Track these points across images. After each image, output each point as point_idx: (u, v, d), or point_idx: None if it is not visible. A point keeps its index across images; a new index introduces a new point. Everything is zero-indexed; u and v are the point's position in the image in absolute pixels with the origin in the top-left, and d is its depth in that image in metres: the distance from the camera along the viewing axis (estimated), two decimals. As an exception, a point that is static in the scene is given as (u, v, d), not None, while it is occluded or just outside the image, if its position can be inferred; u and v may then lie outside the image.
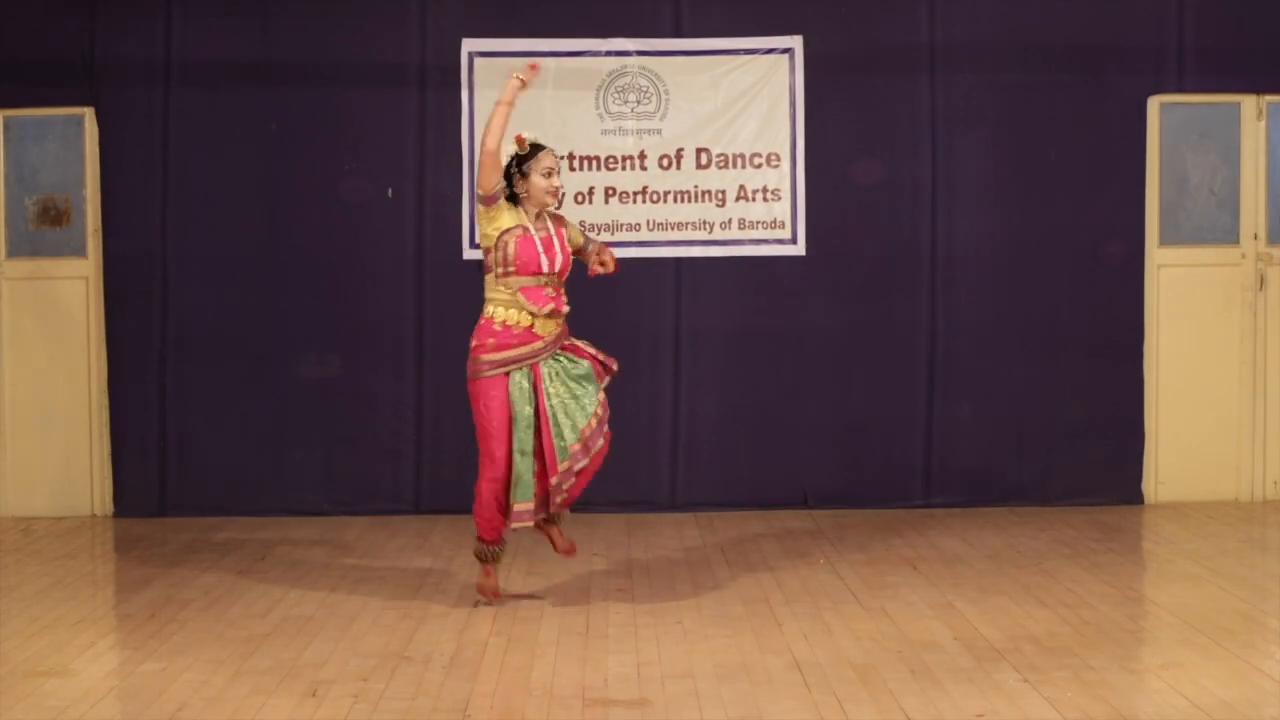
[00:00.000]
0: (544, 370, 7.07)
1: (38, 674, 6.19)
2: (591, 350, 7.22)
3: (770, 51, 9.44)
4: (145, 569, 8.12)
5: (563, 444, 7.05)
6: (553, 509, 7.20)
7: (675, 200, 9.48)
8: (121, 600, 7.62)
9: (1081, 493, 9.52)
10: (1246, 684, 5.91)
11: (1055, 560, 8.06)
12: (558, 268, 7.07)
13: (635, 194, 9.47)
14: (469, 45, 9.43)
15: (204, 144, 9.40)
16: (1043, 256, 9.49)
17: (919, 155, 9.47)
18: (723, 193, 9.48)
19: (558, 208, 7.26)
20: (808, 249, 9.48)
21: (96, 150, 9.41)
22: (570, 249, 7.16)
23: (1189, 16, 9.43)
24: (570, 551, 7.39)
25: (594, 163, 9.42)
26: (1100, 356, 9.52)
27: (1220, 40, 9.45)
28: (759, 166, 9.47)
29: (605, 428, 7.17)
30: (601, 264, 7.17)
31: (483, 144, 7.03)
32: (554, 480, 7.06)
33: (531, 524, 7.14)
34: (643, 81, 9.45)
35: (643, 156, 9.48)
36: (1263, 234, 9.58)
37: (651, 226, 9.49)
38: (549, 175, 7.06)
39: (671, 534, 8.88)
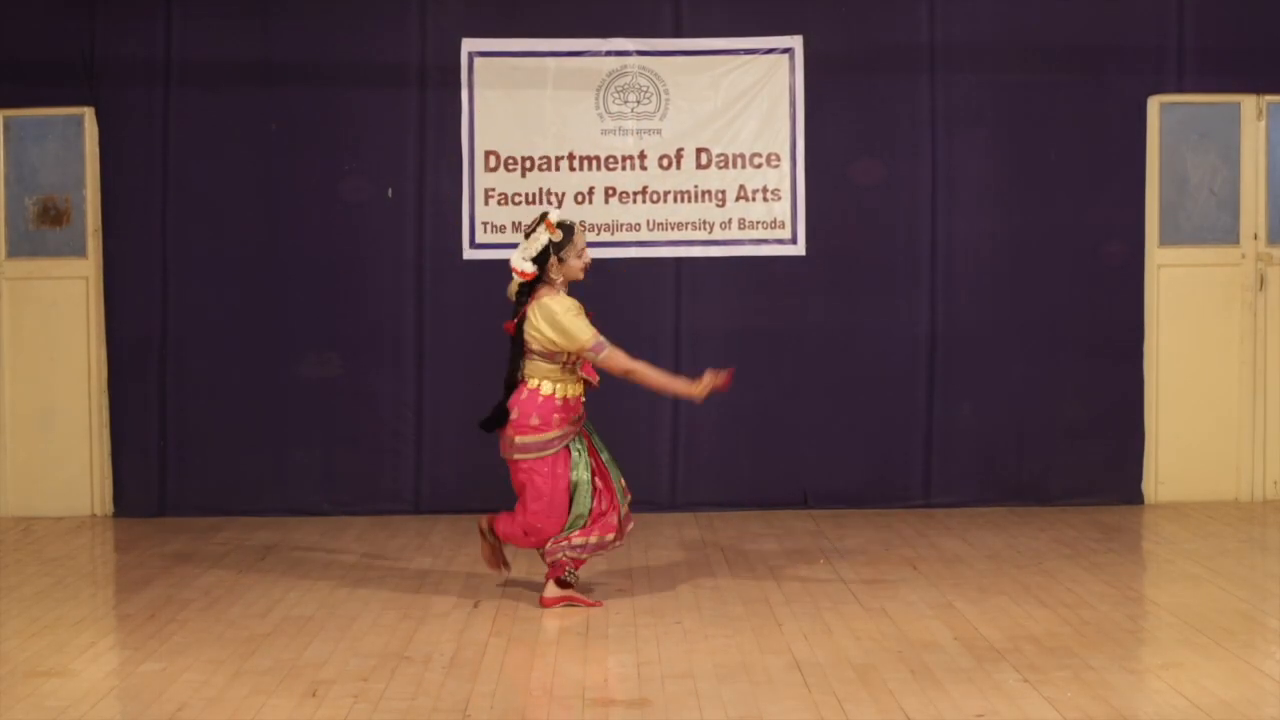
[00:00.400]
0: (589, 430, 7.30)
1: (38, 674, 6.19)
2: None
3: (770, 51, 9.44)
4: (145, 569, 8.12)
5: (620, 486, 7.29)
6: (560, 571, 7.26)
7: (675, 200, 9.47)
8: (121, 600, 7.62)
9: (1081, 493, 9.52)
10: (1246, 684, 5.91)
11: (1055, 560, 8.06)
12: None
13: (635, 194, 9.47)
14: (469, 45, 9.43)
15: (204, 144, 9.40)
16: (1043, 256, 9.49)
17: (919, 155, 9.48)
18: (723, 193, 9.48)
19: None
20: (808, 249, 9.48)
21: (96, 150, 9.41)
22: None
23: (1189, 16, 9.44)
24: (598, 603, 7.37)
25: (594, 163, 9.41)
26: (1100, 356, 9.53)
27: (1220, 40, 9.45)
28: (759, 166, 9.47)
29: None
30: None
31: (626, 365, 7.11)
32: (622, 510, 7.26)
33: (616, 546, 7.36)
34: (643, 81, 9.45)
35: (643, 156, 9.48)
36: (1263, 234, 9.58)
37: (651, 226, 9.49)
38: (582, 255, 7.17)
39: (671, 534, 8.89)
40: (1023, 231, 9.49)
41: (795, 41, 9.44)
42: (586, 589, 7.46)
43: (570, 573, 7.28)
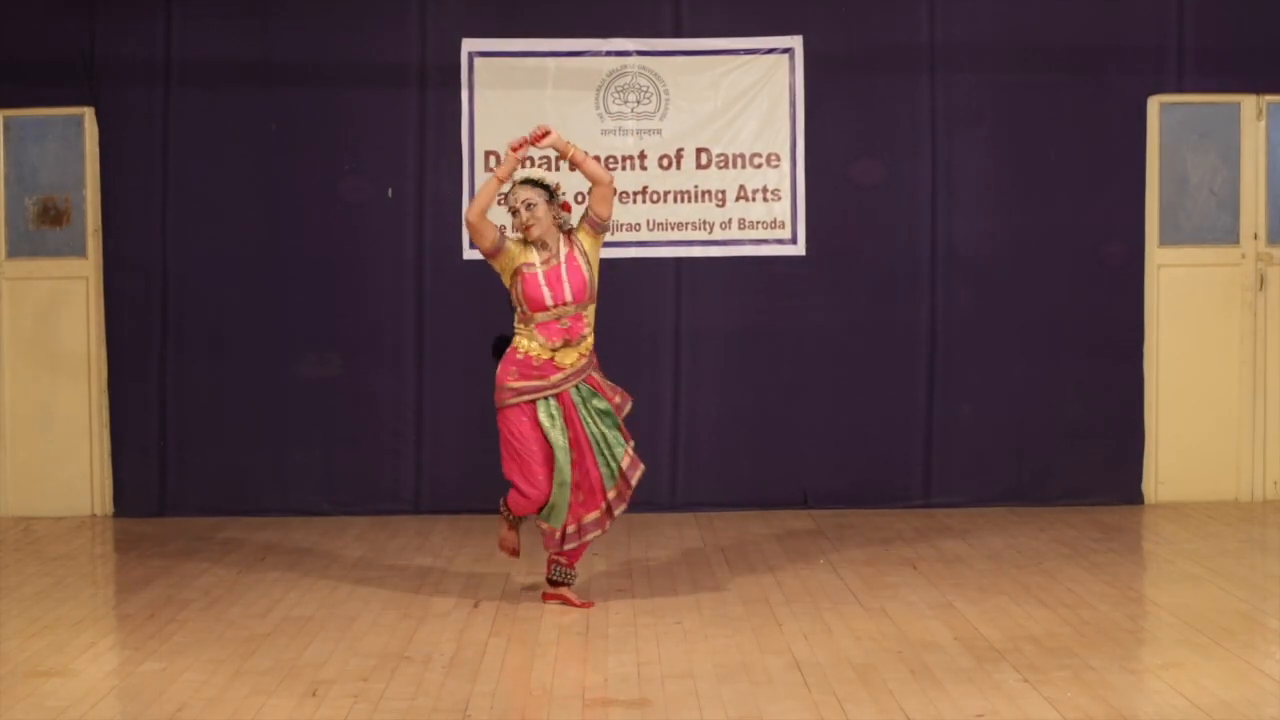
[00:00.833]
0: (574, 399, 7.11)
1: (38, 674, 6.19)
2: (608, 389, 7.23)
3: (770, 51, 9.45)
4: (145, 569, 8.12)
5: (610, 470, 7.15)
6: (556, 547, 7.19)
7: (675, 200, 9.48)
8: (121, 600, 7.62)
9: (1081, 493, 9.52)
10: (1246, 684, 5.91)
11: (1055, 560, 8.06)
12: (568, 298, 7.04)
13: (635, 194, 9.47)
14: (469, 45, 9.43)
15: (204, 144, 9.40)
16: (1043, 256, 9.49)
17: (919, 155, 9.48)
18: (723, 193, 9.48)
19: (568, 224, 7.22)
20: (808, 249, 9.48)
21: (96, 150, 9.41)
22: (590, 240, 7.15)
23: (1189, 16, 9.44)
24: (589, 604, 7.30)
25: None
26: (1100, 356, 9.52)
27: (1220, 40, 9.45)
28: (759, 166, 9.47)
29: (640, 467, 7.28)
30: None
31: (466, 212, 7.13)
32: (590, 515, 7.16)
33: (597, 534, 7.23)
34: (643, 81, 9.45)
35: (643, 156, 9.48)
36: (1263, 234, 9.58)
37: (651, 226, 9.49)
38: (515, 214, 7.05)
39: (671, 534, 8.89)
40: (1023, 231, 9.49)
41: (795, 41, 9.44)
42: (583, 589, 7.46)
43: (560, 570, 7.26)
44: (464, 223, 7.10)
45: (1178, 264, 9.56)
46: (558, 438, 7.07)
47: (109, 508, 9.51)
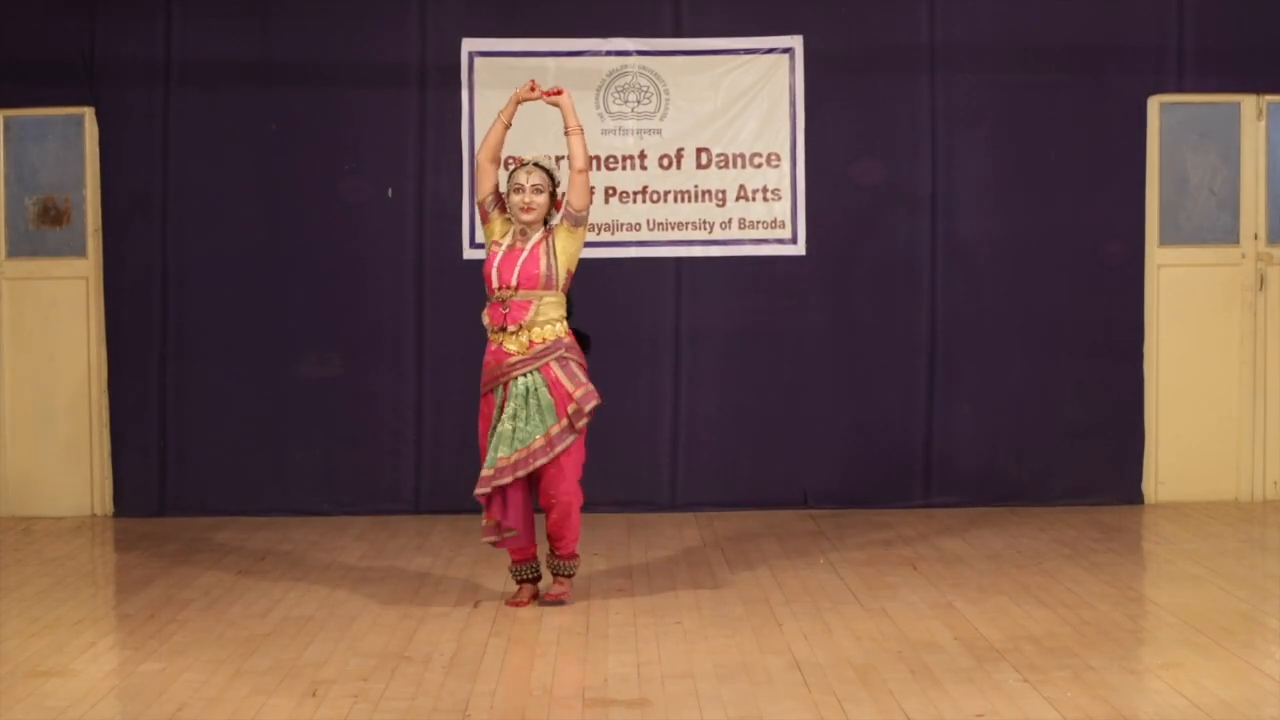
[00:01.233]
0: (512, 390, 7.06)
1: (38, 674, 6.19)
2: (569, 386, 7.10)
3: (770, 51, 9.45)
4: (145, 569, 8.12)
5: (506, 452, 7.04)
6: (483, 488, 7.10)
7: (675, 200, 9.48)
8: (121, 600, 7.62)
9: (1081, 493, 9.52)
10: (1246, 684, 5.91)
11: (1055, 560, 8.06)
12: (513, 282, 7.02)
13: (635, 194, 9.47)
14: (469, 45, 9.43)
15: (204, 144, 9.40)
16: (1043, 256, 9.49)
17: (919, 155, 9.47)
18: (723, 192, 9.48)
19: (557, 218, 7.22)
20: (808, 249, 9.48)
21: (96, 150, 9.41)
22: (569, 233, 7.13)
23: (1189, 16, 9.43)
24: (562, 595, 7.29)
25: (594, 162, 9.40)
26: (1100, 356, 9.52)
27: (1220, 40, 9.45)
28: (759, 166, 9.47)
29: (542, 459, 7.05)
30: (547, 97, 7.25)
31: (477, 154, 7.30)
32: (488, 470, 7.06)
33: (487, 490, 7.07)
34: (643, 81, 9.45)
35: (643, 156, 9.48)
36: (1263, 234, 9.58)
37: (651, 226, 9.49)
38: (518, 192, 7.08)
39: (671, 534, 8.88)
40: (1023, 231, 9.49)
41: (795, 41, 9.44)
42: (584, 589, 7.46)
43: (513, 567, 7.25)
44: (474, 164, 7.21)
45: (1178, 264, 9.56)
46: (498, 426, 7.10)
47: (109, 508, 9.51)
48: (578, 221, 7.15)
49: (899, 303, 9.50)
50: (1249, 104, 9.52)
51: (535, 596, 7.27)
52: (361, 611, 7.15)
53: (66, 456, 9.52)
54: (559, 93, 7.25)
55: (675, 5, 9.47)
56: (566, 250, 7.11)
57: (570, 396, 7.08)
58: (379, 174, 9.43)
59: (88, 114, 9.42)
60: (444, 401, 9.41)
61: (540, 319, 7.06)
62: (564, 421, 7.08)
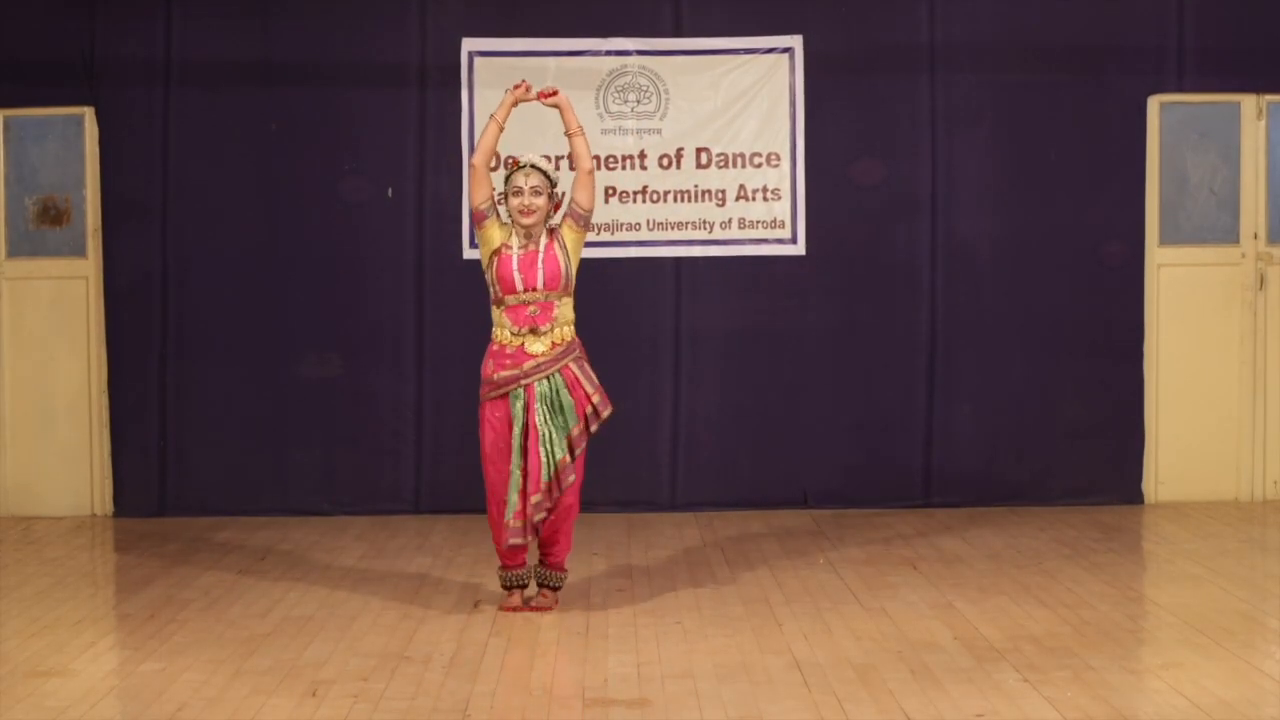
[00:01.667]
0: (537, 390, 7.03)
1: (38, 674, 6.19)
2: (588, 388, 7.11)
3: (770, 51, 9.45)
4: (145, 569, 8.12)
5: (551, 462, 7.01)
6: (511, 536, 7.03)
7: (675, 200, 9.48)
8: (121, 600, 7.62)
9: (1081, 493, 9.52)
10: (1246, 684, 5.91)
11: (1055, 560, 8.06)
12: (538, 284, 6.99)
13: (635, 194, 9.47)
14: (469, 45, 9.43)
15: (204, 144, 9.40)
16: (1043, 256, 9.49)
17: (919, 155, 9.48)
18: (723, 192, 9.48)
19: (558, 217, 7.20)
20: (808, 249, 9.48)
21: (96, 150, 9.41)
22: (572, 234, 7.10)
23: (1189, 16, 9.44)
24: (549, 607, 7.22)
25: (594, 162, 9.39)
26: (1100, 356, 9.53)
27: (1220, 40, 9.45)
28: (759, 166, 9.48)
29: (572, 475, 7.06)
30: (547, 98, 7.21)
31: (472, 158, 7.15)
32: (534, 498, 6.99)
33: (522, 540, 7.02)
34: (643, 81, 9.45)
35: (643, 156, 9.48)
36: (1263, 234, 9.58)
37: (651, 226, 9.49)
38: (518, 194, 7.03)
39: (671, 534, 8.88)
40: (1023, 231, 9.49)
41: (795, 41, 9.44)
42: (584, 589, 7.45)
43: (501, 572, 7.19)
44: (469, 168, 7.13)
45: (1178, 264, 9.56)
46: (518, 431, 7.00)
47: (109, 508, 9.51)
48: (584, 222, 7.14)
49: (899, 303, 9.50)
50: (1249, 104, 9.52)
51: (525, 602, 7.22)
52: (361, 611, 7.15)
53: (66, 456, 9.52)
54: (554, 93, 7.22)
55: (675, 5, 9.47)
56: (575, 248, 7.11)
57: (589, 399, 7.09)
58: (379, 174, 9.43)
59: (88, 114, 9.42)
60: (444, 401, 9.41)
61: (561, 320, 7.08)
62: (581, 424, 7.09)
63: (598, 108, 9.43)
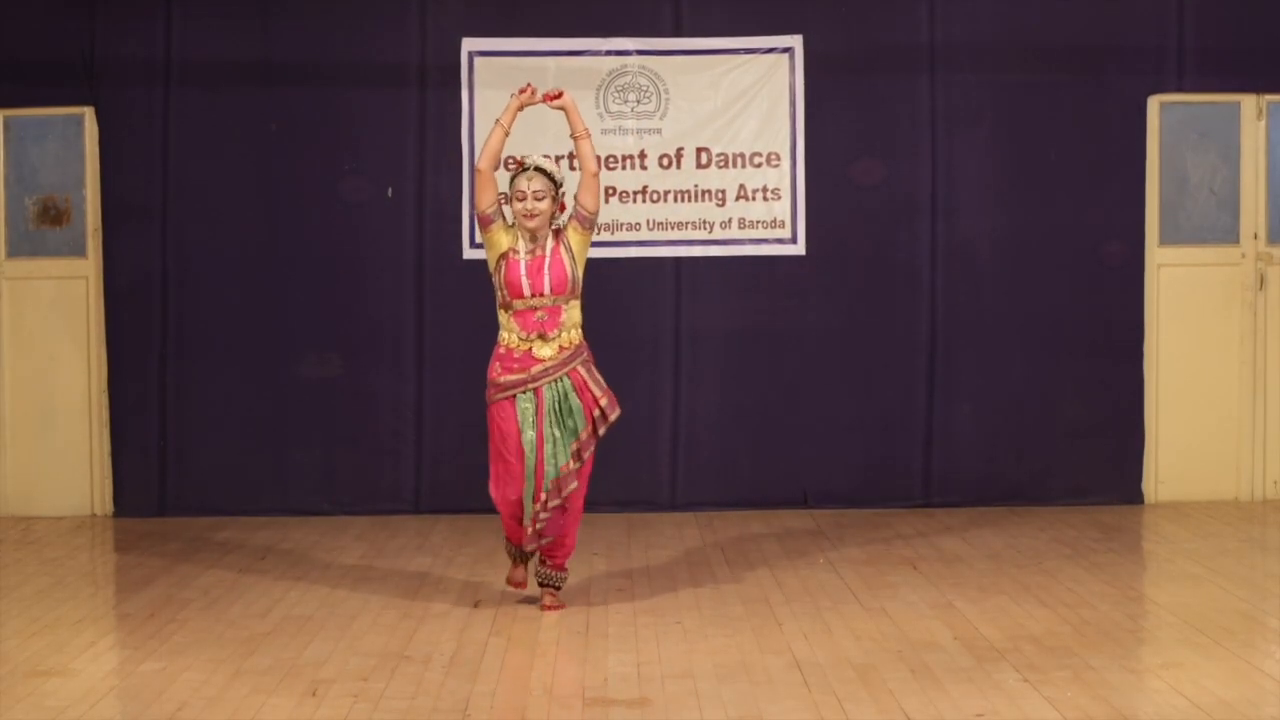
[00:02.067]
0: (546, 395, 7.04)
1: (38, 674, 6.19)
2: (596, 391, 7.12)
3: (770, 51, 9.45)
4: (145, 569, 8.12)
5: (553, 470, 7.03)
6: (528, 542, 7.08)
7: (675, 200, 9.48)
8: (121, 600, 7.62)
9: (1081, 493, 9.52)
10: (1246, 684, 5.91)
11: (1055, 560, 8.06)
12: (546, 289, 7.00)
13: (635, 194, 9.47)
14: (469, 45, 9.43)
15: (204, 144, 9.40)
16: (1043, 256, 9.49)
17: (919, 155, 9.48)
18: (723, 192, 9.48)
19: (563, 219, 7.19)
20: (808, 249, 9.48)
21: (96, 150, 9.41)
22: (580, 228, 7.10)
23: (1189, 16, 9.44)
24: (558, 606, 7.24)
25: (599, 165, 9.39)
26: (1100, 356, 9.52)
27: (1220, 40, 9.45)
28: (759, 166, 9.48)
29: (574, 483, 7.07)
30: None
31: (476, 163, 7.12)
32: (534, 506, 7.01)
33: (535, 545, 7.07)
34: (643, 81, 9.45)
35: (643, 156, 9.48)
36: (1263, 234, 9.58)
37: (651, 226, 9.49)
38: (521, 199, 7.03)
39: (671, 534, 8.88)
40: (1023, 231, 9.49)
41: (795, 41, 9.44)
42: (584, 589, 7.46)
43: (507, 543, 7.24)
44: (474, 171, 7.11)
45: (1178, 264, 9.56)
46: (528, 436, 7.02)
47: (109, 508, 9.51)
48: (589, 224, 7.14)
49: (899, 303, 9.50)
50: (1249, 104, 9.52)
51: (524, 581, 7.27)
52: (361, 611, 7.15)
53: (66, 456, 9.52)
54: (560, 95, 7.22)
55: (675, 5, 9.47)
56: (580, 250, 7.11)
57: (596, 402, 7.10)
58: (379, 174, 9.43)
59: (88, 114, 9.42)
60: (444, 401, 9.41)
61: (569, 323, 7.08)
62: (590, 428, 7.10)
63: (598, 108, 9.43)
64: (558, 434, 7.02)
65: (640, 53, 9.45)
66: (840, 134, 9.48)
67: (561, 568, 7.24)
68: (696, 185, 9.48)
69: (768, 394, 9.52)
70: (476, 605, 7.24)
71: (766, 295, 9.50)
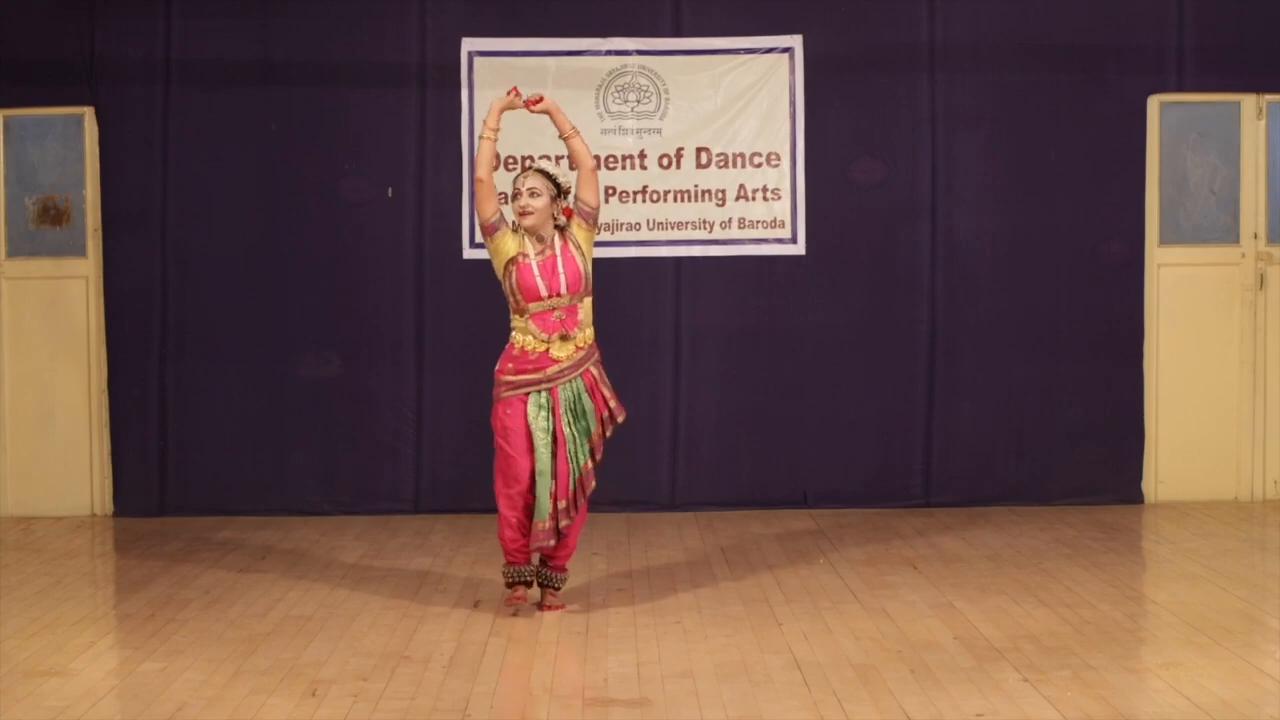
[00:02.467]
0: (561, 395, 7.04)
1: (38, 674, 6.19)
2: (606, 393, 7.15)
3: (770, 51, 9.45)
4: (145, 569, 8.12)
5: (576, 469, 7.05)
6: (540, 539, 7.04)
7: (675, 200, 9.48)
8: (121, 600, 7.62)
9: (1081, 493, 9.52)
10: (1246, 684, 5.91)
11: (1055, 560, 8.06)
12: (562, 289, 7.02)
13: (635, 193, 9.47)
14: (469, 45, 9.43)
15: (204, 143, 9.40)
16: (1043, 256, 9.49)
17: (919, 155, 9.48)
18: (723, 192, 9.48)
19: (565, 221, 7.19)
20: (808, 249, 9.48)
21: (96, 150, 9.41)
22: (584, 224, 7.11)
23: (1189, 16, 9.44)
24: (559, 606, 7.23)
25: (595, 160, 9.39)
26: (1100, 356, 9.53)
27: (1220, 40, 9.45)
28: (759, 166, 9.48)
29: (594, 482, 7.12)
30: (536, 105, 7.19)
31: (476, 170, 7.12)
32: (561, 503, 7.03)
33: (552, 543, 7.05)
34: (643, 81, 9.45)
35: (643, 156, 9.48)
36: (1263, 233, 9.58)
37: (651, 226, 9.49)
38: (517, 197, 7.04)
39: (671, 534, 8.89)
40: (1023, 231, 9.49)
41: (795, 41, 9.44)
42: (584, 589, 7.45)
43: (506, 567, 7.14)
44: (474, 181, 7.10)
45: (1178, 263, 9.56)
46: (541, 429, 7.01)
47: (109, 508, 9.51)
48: (592, 220, 7.15)
49: (899, 303, 9.50)
50: (1249, 103, 9.52)
51: (525, 600, 7.21)
52: (361, 611, 7.16)
53: (66, 457, 9.52)
54: (540, 100, 7.18)
55: (675, 5, 9.47)
56: (587, 246, 7.14)
57: (606, 404, 7.13)
58: (379, 174, 9.43)
59: (88, 114, 9.42)
60: (444, 401, 9.41)
61: (585, 322, 7.11)
62: (599, 429, 7.12)
63: (598, 108, 9.43)
64: (575, 433, 7.05)
65: (640, 53, 9.45)
66: (840, 134, 9.48)
67: (562, 569, 7.24)
68: (696, 185, 9.48)
69: (768, 394, 9.52)
70: (476, 605, 7.25)
71: (766, 295, 9.50)
